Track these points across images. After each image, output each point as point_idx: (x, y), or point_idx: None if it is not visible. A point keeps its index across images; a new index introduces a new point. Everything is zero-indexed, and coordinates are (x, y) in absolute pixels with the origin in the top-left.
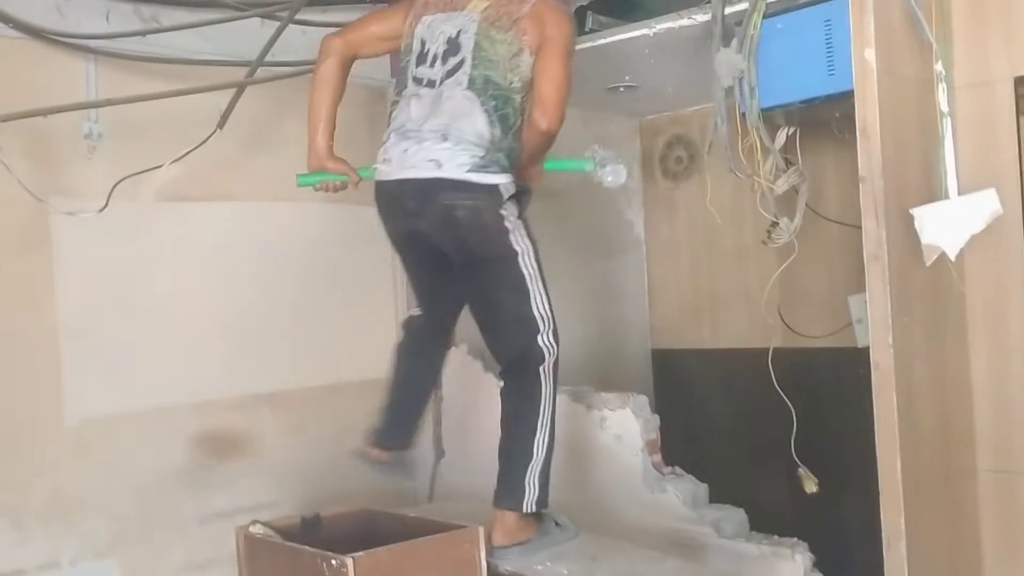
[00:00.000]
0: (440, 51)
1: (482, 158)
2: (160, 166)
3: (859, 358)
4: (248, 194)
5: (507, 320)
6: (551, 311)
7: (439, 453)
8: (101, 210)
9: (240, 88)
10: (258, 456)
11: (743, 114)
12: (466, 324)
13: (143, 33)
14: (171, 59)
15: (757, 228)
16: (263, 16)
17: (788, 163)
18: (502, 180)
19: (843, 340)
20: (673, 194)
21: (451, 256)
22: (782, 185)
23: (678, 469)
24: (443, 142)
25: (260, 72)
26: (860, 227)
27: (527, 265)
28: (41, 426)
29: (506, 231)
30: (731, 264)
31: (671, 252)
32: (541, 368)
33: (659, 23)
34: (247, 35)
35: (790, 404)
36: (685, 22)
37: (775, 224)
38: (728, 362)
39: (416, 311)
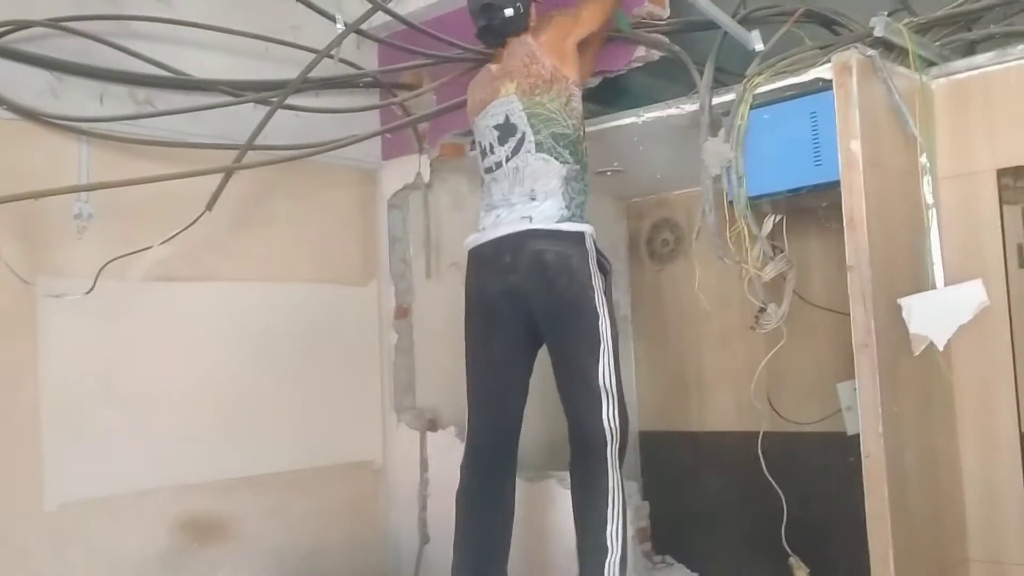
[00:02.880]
0: (494, 138)
1: (567, 207)
2: (149, 247)
3: (848, 445)
4: (236, 274)
5: (575, 376)
6: (617, 390)
7: (424, 538)
8: (88, 292)
9: (229, 172)
10: (239, 541)
11: (731, 202)
12: (453, 402)
13: (136, 117)
14: (164, 142)
15: (744, 311)
16: (256, 101)
17: (775, 250)
18: (587, 228)
19: (832, 425)
20: (659, 276)
21: (537, 307)
22: (770, 272)
23: (668, 558)
24: (531, 201)
25: (252, 155)
26: (847, 313)
27: (604, 332)
28: (19, 510)
29: (591, 287)
30: (718, 347)
31: (658, 334)
32: (607, 453)
33: (647, 112)
34: (240, 117)
35: (780, 491)
36: (673, 111)
37: (763, 310)
38: (716, 445)
39: (475, 443)
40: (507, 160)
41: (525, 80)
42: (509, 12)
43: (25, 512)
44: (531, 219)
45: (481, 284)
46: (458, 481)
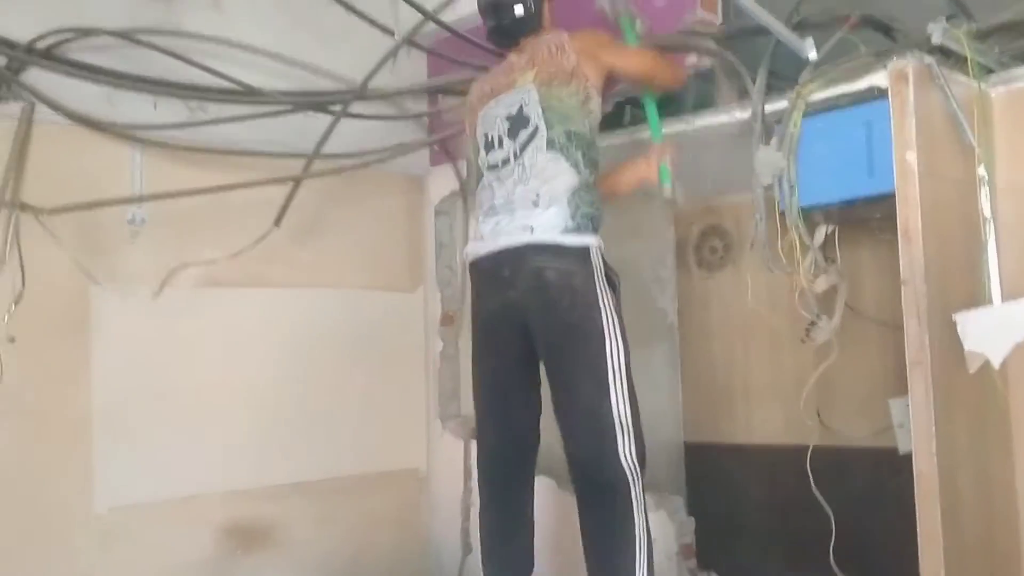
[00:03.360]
0: (504, 130)
1: (572, 218)
2: (215, 260)
3: (900, 462)
4: (285, 280)
5: (580, 412)
6: (633, 424)
7: (466, 548)
8: (155, 296)
9: (297, 183)
10: (284, 547)
11: (782, 212)
12: None
13: (189, 124)
14: (216, 149)
15: (793, 321)
16: (315, 109)
17: (828, 261)
18: (592, 241)
19: (883, 441)
20: (707, 284)
21: (537, 330)
22: (822, 284)
23: (714, 574)
24: (534, 208)
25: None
26: (899, 327)
27: (613, 358)
28: (70, 511)
29: (598, 308)
30: (767, 357)
31: (705, 343)
32: (631, 495)
33: (697, 119)
34: (292, 124)
35: (828, 508)
36: (724, 119)
37: (814, 322)
38: (764, 459)
39: (482, 459)
40: (515, 157)
41: (547, 68)
42: (520, 11)
43: (76, 514)
44: (532, 229)
45: (481, 298)
46: None
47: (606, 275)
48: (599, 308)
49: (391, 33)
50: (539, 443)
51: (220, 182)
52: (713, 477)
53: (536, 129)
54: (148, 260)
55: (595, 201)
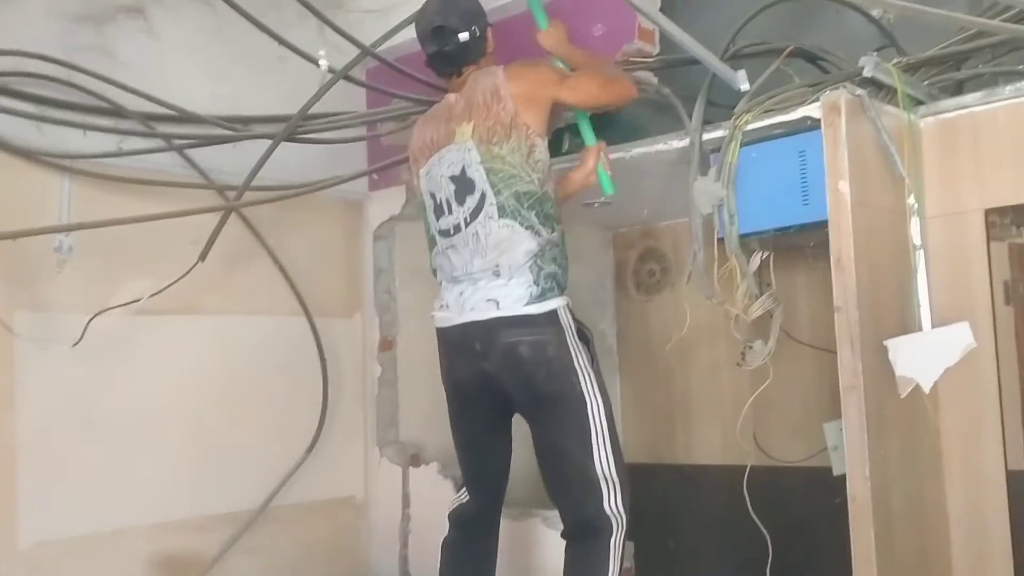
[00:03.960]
0: (451, 193)
1: (536, 284)
2: (138, 300)
3: (835, 484)
4: (218, 308)
5: (569, 475)
6: (618, 474)
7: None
8: (75, 344)
9: (225, 214)
10: None
11: (720, 239)
12: (437, 437)
13: (119, 154)
14: (146, 180)
15: (731, 344)
16: (252, 138)
17: (764, 286)
18: (559, 303)
19: (818, 461)
20: (646, 307)
21: (516, 399)
22: (757, 311)
23: None
24: (496, 279)
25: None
26: (833, 351)
27: (595, 418)
28: None
29: (574, 371)
30: (705, 380)
31: (644, 365)
32: (611, 541)
33: (635, 147)
34: (224, 150)
35: (765, 531)
36: (661, 147)
37: (749, 347)
38: (702, 479)
39: (463, 498)
40: (466, 224)
41: (484, 122)
42: (464, 36)
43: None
44: (498, 304)
45: (452, 368)
46: (442, 521)
47: (577, 332)
48: (575, 370)
49: (317, 65)
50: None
51: (150, 210)
52: (653, 498)
53: (483, 195)
54: (76, 289)
55: (558, 256)
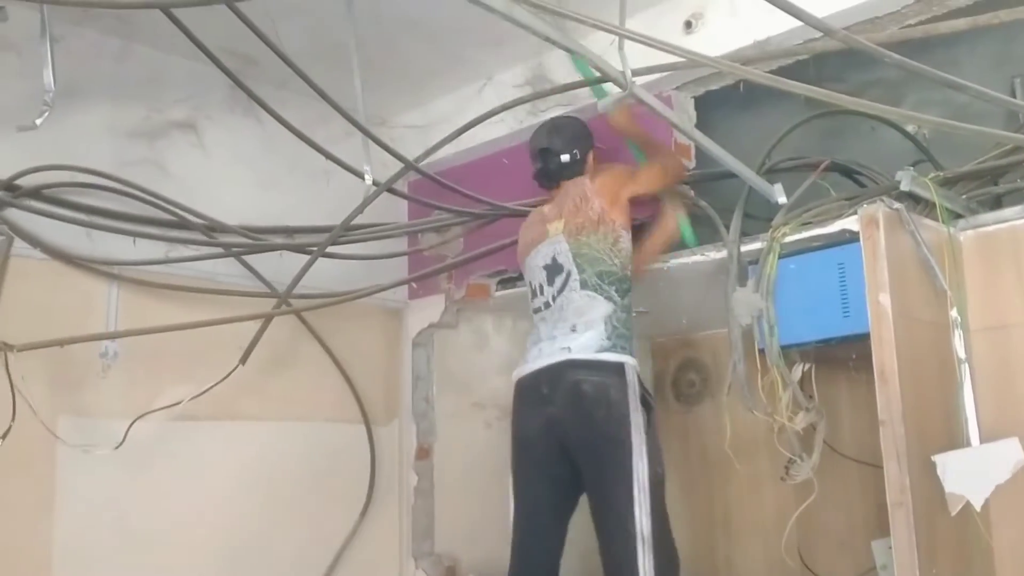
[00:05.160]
0: (543, 278)
1: (608, 339)
2: (179, 403)
3: None
4: (258, 414)
5: (610, 517)
6: (656, 539)
7: None
8: (117, 447)
9: (267, 320)
10: None
11: (761, 351)
12: (474, 549)
13: (166, 261)
14: (192, 288)
15: (773, 458)
16: (293, 250)
17: (807, 398)
18: (627, 359)
19: None
20: (685, 418)
21: (574, 442)
22: (801, 422)
23: None
24: (572, 333)
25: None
26: (878, 465)
27: (638, 473)
28: None
29: (630, 422)
30: (746, 495)
31: (683, 478)
32: None
33: (673, 258)
34: (268, 260)
35: None
36: (699, 258)
37: (793, 461)
38: None
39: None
40: (554, 299)
41: (574, 220)
42: (566, 158)
43: None
44: (570, 349)
45: (519, 419)
46: None
47: (641, 395)
48: (630, 422)
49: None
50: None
51: (193, 317)
52: None
53: (569, 273)
54: (119, 395)
55: (628, 325)
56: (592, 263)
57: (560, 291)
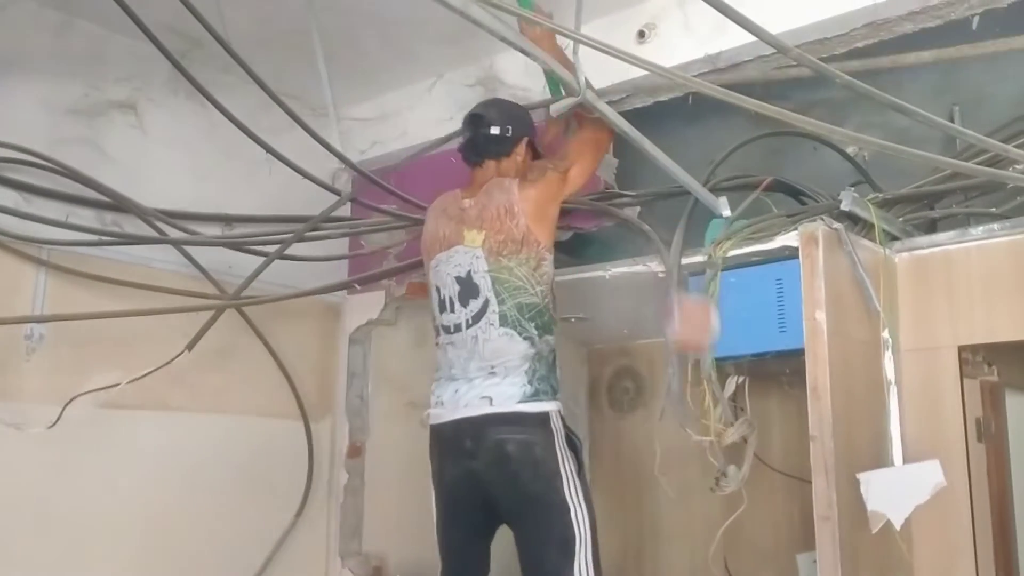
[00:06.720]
0: (454, 293)
1: (530, 384)
2: (117, 384)
3: None
4: (187, 405)
5: None
6: None
7: None
8: (51, 426)
9: (217, 312)
10: None
11: (696, 362)
12: (402, 548)
13: (99, 243)
14: (132, 283)
15: (703, 467)
16: (240, 248)
17: (738, 411)
18: (552, 407)
19: None
20: (619, 425)
21: (500, 501)
22: (731, 436)
23: None
24: (491, 377)
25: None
26: (806, 480)
27: (578, 524)
28: None
29: (560, 476)
30: (676, 503)
31: (614, 485)
32: None
33: (614, 267)
34: (206, 248)
35: None
36: (640, 268)
37: (723, 473)
38: None
39: None
40: (467, 326)
41: (495, 236)
42: (495, 131)
43: None
44: (491, 400)
45: (442, 468)
46: None
47: (567, 438)
48: (561, 476)
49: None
50: None
51: (127, 303)
52: None
53: (487, 302)
54: (44, 379)
55: (551, 362)
56: (512, 293)
57: (476, 320)
